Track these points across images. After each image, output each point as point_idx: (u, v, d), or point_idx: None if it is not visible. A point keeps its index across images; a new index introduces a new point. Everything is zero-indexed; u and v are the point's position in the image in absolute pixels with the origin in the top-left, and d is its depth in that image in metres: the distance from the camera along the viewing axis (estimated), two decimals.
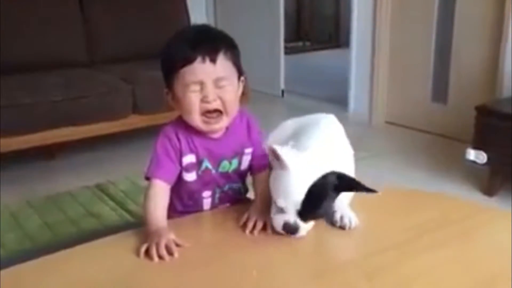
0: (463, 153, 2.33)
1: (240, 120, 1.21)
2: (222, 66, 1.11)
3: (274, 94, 4.21)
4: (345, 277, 0.96)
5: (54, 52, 2.98)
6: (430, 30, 3.15)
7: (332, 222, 1.11)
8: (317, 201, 1.02)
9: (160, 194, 1.13)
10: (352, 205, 1.14)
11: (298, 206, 1.02)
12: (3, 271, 0.95)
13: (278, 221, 1.05)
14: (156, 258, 0.98)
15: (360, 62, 3.53)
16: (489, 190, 2.32)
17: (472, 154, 2.30)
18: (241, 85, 1.19)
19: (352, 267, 0.99)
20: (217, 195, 1.24)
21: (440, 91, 3.19)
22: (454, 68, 3.08)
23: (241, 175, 1.25)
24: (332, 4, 7.06)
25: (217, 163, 1.19)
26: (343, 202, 1.13)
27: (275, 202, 1.05)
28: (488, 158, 2.25)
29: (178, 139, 1.16)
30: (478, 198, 2.27)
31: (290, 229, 1.04)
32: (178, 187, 1.20)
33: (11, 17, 2.87)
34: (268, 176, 1.12)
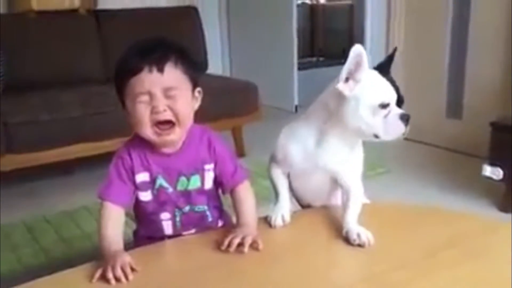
0: (479, 169, 2.31)
1: (200, 136, 1.17)
2: (171, 75, 1.07)
3: (287, 110, 4.22)
4: None
5: (72, 69, 3.04)
6: (444, 45, 3.14)
7: (348, 240, 1.10)
8: (397, 88, 1.18)
9: (112, 217, 1.10)
10: (366, 221, 1.14)
11: (395, 95, 1.15)
12: None
13: (393, 119, 1.12)
14: (113, 281, 0.95)
15: None
16: (505, 207, 2.29)
17: (488, 170, 2.27)
18: (198, 97, 1.15)
19: (365, 286, 0.99)
20: (177, 218, 1.18)
21: (454, 107, 3.18)
22: (468, 84, 3.06)
23: (207, 196, 1.19)
24: (345, 19, 7.09)
25: (174, 180, 1.14)
26: (355, 220, 1.13)
27: (380, 107, 1.11)
28: (504, 174, 2.22)
29: (131, 157, 1.12)
30: (494, 214, 2.24)
31: (408, 117, 1.14)
32: (137, 209, 1.18)
33: (30, 36, 2.94)
34: (247, 189, 1.17)
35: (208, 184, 1.17)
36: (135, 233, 1.27)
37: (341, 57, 6.03)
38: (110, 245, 1.05)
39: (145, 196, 1.15)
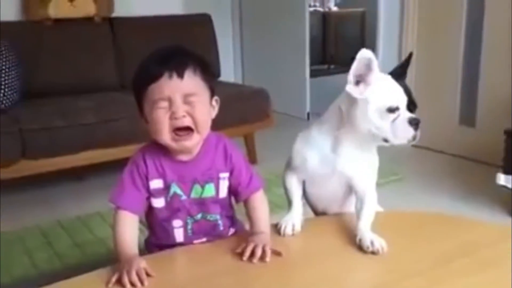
0: (492, 177, 2.29)
1: (216, 144, 1.17)
2: (190, 82, 1.07)
3: (299, 117, 4.23)
4: None
5: (86, 76, 3.08)
6: (457, 51, 3.13)
7: (361, 248, 1.10)
8: (409, 93, 1.17)
9: (126, 224, 1.10)
10: (381, 229, 1.14)
11: (406, 100, 1.14)
12: None
13: (402, 124, 1.12)
14: (128, 286, 0.96)
15: None
16: None
17: (502, 179, 2.25)
18: (215, 105, 1.15)
19: None
20: (189, 226, 1.18)
21: (468, 114, 3.16)
22: (482, 90, 3.04)
23: (220, 205, 1.19)
24: (357, 27, 7.10)
25: (188, 188, 1.14)
26: (368, 227, 1.13)
27: (387, 112, 1.11)
28: None
29: (145, 164, 1.12)
30: (507, 223, 2.21)
31: (417, 121, 1.14)
32: (149, 217, 1.18)
33: (46, 44, 2.98)
34: (261, 198, 1.17)
35: (223, 192, 1.17)
36: (146, 241, 1.27)
37: (353, 64, 5.91)
38: (126, 251, 1.06)
39: (158, 202, 1.15)
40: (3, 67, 2.65)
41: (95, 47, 3.14)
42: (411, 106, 1.16)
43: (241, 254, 1.06)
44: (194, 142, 1.10)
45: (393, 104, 1.12)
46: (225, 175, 1.16)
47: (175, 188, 1.13)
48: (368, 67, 1.14)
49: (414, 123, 1.13)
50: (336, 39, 7.25)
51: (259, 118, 3.12)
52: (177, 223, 1.17)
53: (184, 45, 1.16)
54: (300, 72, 4.27)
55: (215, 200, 1.17)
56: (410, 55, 1.29)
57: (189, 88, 1.07)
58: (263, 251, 1.05)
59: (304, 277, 1.03)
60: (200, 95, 1.09)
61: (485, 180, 2.54)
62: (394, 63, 3.73)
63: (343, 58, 7.14)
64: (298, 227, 1.19)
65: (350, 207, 1.28)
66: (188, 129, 1.07)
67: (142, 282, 0.97)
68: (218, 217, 1.19)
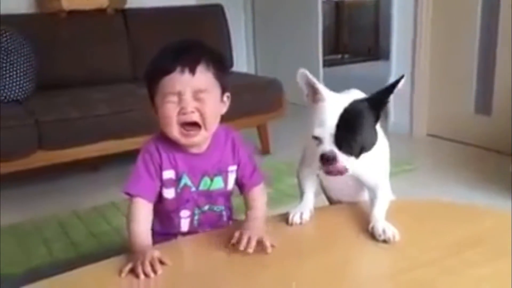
0: (507, 166, 2.27)
1: (225, 137, 1.19)
2: (202, 78, 1.08)
3: None
4: None
5: (100, 68, 3.10)
6: (473, 40, 3.09)
7: (374, 236, 1.10)
8: (351, 125, 1.05)
9: (142, 212, 1.11)
10: (394, 217, 1.14)
11: (333, 131, 1.04)
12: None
13: (316, 156, 1.06)
14: (142, 276, 0.96)
15: (400, 74, 3.48)
16: None
17: None
18: (226, 101, 1.17)
19: (391, 282, 0.99)
20: (196, 217, 1.20)
21: (483, 103, 3.12)
22: (498, 79, 3.00)
23: (226, 196, 1.21)
24: (371, 16, 7.03)
25: (198, 179, 1.16)
26: (381, 215, 1.13)
27: (313, 139, 1.07)
28: None
29: (159, 154, 1.13)
30: None
31: (328, 159, 1.05)
32: (157, 204, 1.17)
33: (60, 36, 3.01)
34: (261, 190, 1.17)
35: (231, 185, 1.20)
36: (152, 229, 1.26)
37: (366, 54, 6.00)
38: (140, 241, 1.07)
39: (169, 193, 1.16)
40: (19, 60, 2.68)
41: (108, 39, 3.16)
42: (343, 140, 1.06)
43: (236, 245, 1.04)
44: (201, 138, 1.11)
45: (315, 133, 1.08)
46: (234, 168, 1.19)
47: (185, 180, 1.15)
48: (310, 86, 1.12)
49: (323, 159, 1.06)
50: (349, 28, 7.19)
51: (272, 108, 3.11)
52: (184, 213, 1.19)
53: (200, 39, 1.17)
54: (313, 62, 4.24)
55: (223, 192, 1.19)
56: (400, 78, 1.15)
57: (200, 84, 1.07)
58: (261, 242, 1.03)
59: (315, 265, 1.03)
60: (211, 91, 1.09)
61: (499, 169, 2.52)
62: (408, 53, 3.70)
63: (356, 48, 7.10)
64: (306, 217, 1.19)
65: (364, 195, 1.27)
66: (195, 125, 1.08)
67: (155, 272, 0.97)
68: (223, 208, 1.22)
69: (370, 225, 1.12)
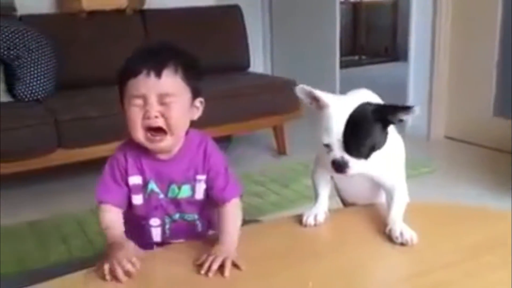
0: None
1: (198, 145, 1.14)
2: (169, 82, 1.04)
3: None
4: None
5: (118, 67, 3.13)
6: (493, 41, 3.05)
7: (391, 238, 1.10)
8: (359, 130, 1.05)
9: (111, 217, 1.10)
10: (411, 220, 1.13)
11: (341, 138, 1.04)
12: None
13: (327, 163, 1.06)
14: (121, 277, 0.94)
15: (418, 75, 3.47)
16: None
17: None
18: (200, 107, 1.13)
19: (407, 285, 0.98)
20: (167, 226, 1.16)
21: (503, 105, 3.07)
22: None
23: (199, 206, 1.16)
24: (389, 17, 6.97)
25: (165, 187, 1.12)
26: (399, 218, 1.13)
27: (321, 145, 1.07)
28: None
29: (125, 159, 1.11)
30: None
31: (339, 165, 1.05)
32: (127, 214, 1.15)
33: (80, 36, 3.05)
34: (235, 206, 1.11)
35: (199, 194, 1.14)
36: None
37: (384, 55, 5.96)
38: (115, 239, 1.05)
39: (137, 199, 1.13)
40: (40, 59, 2.73)
41: (127, 39, 3.18)
42: (352, 145, 1.06)
43: (200, 266, 1.00)
44: (167, 143, 1.08)
45: (324, 140, 1.08)
46: (202, 177, 1.13)
47: (152, 186, 1.12)
48: (310, 96, 1.12)
49: (335, 165, 1.08)
50: (367, 29, 7.15)
51: (289, 109, 3.11)
52: (154, 221, 1.16)
53: (173, 43, 1.13)
54: (330, 63, 4.23)
55: (192, 201, 1.15)
56: (410, 107, 1.10)
57: (166, 88, 1.04)
58: (222, 265, 0.99)
59: (331, 267, 1.03)
60: (178, 96, 1.06)
61: None
62: (427, 54, 3.67)
63: (374, 49, 7.05)
64: (320, 218, 1.19)
65: (380, 197, 1.27)
66: (161, 130, 1.05)
67: (134, 265, 0.96)
68: (196, 217, 1.17)
69: (388, 228, 1.11)
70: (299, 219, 1.20)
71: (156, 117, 1.04)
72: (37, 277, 1.01)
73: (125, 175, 1.11)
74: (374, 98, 1.18)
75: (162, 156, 1.11)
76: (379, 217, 1.20)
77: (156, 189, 1.13)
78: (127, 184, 1.12)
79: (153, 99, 1.03)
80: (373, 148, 1.09)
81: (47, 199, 2.47)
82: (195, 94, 1.11)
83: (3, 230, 2.14)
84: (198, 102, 1.13)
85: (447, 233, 1.16)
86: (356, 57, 6.96)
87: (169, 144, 1.08)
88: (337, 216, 1.25)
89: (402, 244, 1.08)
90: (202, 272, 0.98)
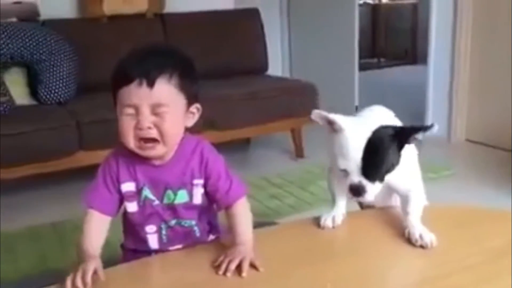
0: None
1: (193, 149, 1.09)
2: (162, 91, 0.99)
3: (348, 111, 4.16)
4: None
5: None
6: None
7: (410, 241, 1.09)
8: (377, 155, 1.03)
9: (93, 224, 1.06)
10: (431, 223, 1.12)
11: (359, 163, 1.02)
12: None
13: (344, 187, 1.05)
14: None
15: (438, 78, 3.44)
16: None
17: None
18: (196, 113, 1.08)
19: (431, 286, 0.98)
20: (163, 232, 1.13)
21: None
22: None
23: (197, 211, 1.13)
24: (408, 19, 6.92)
25: (160, 193, 1.09)
26: (417, 220, 1.12)
27: (337, 168, 1.05)
28: None
29: (117, 165, 1.07)
30: None
31: (357, 190, 1.04)
32: (124, 221, 1.14)
33: (101, 40, 3.09)
34: (243, 206, 1.10)
35: (197, 199, 1.11)
36: (123, 246, 1.22)
37: (403, 58, 5.90)
38: (86, 251, 1.03)
39: (131, 207, 1.10)
40: (62, 63, 2.78)
41: (147, 43, 3.23)
42: (370, 170, 1.04)
43: (218, 268, 0.99)
44: (159, 153, 1.04)
45: (341, 166, 1.05)
46: (199, 181, 1.10)
47: (146, 193, 1.09)
48: (325, 120, 1.09)
49: (352, 190, 1.06)
50: (386, 32, 7.10)
51: (306, 112, 3.08)
52: (150, 228, 1.12)
53: (169, 45, 1.09)
54: (348, 66, 4.21)
55: (189, 206, 1.11)
56: (428, 127, 1.08)
57: (159, 98, 0.99)
58: (240, 265, 0.99)
59: (347, 268, 1.03)
60: (172, 105, 1.01)
61: None
62: (447, 56, 3.63)
63: (393, 52, 7.00)
64: (338, 221, 1.19)
65: (396, 201, 1.26)
66: (154, 140, 1.01)
67: (85, 285, 0.92)
68: (193, 223, 1.14)
69: (406, 230, 1.11)
70: (317, 221, 1.20)
71: (149, 127, 1.00)
72: (59, 276, 1.02)
73: (117, 182, 1.08)
74: (389, 116, 1.18)
75: (156, 162, 1.07)
76: (396, 220, 1.19)
77: (151, 196, 1.09)
78: (119, 191, 1.08)
79: (145, 110, 0.99)
80: (389, 170, 1.08)
81: (69, 200, 2.51)
82: (191, 101, 1.06)
83: (27, 231, 2.19)
84: (194, 108, 1.08)
85: (467, 236, 1.15)
86: (375, 60, 6.92)
87: (162, 152, 1.05)
88: (355, 218, 1.24)
89: (421, 246, 1.07)
90: (220, 273, 0.98)
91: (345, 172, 1.05)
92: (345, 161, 1.04)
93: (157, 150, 1.03)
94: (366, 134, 1.04)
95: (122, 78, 1.00)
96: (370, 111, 1.19)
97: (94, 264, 0.97)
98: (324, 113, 1.08)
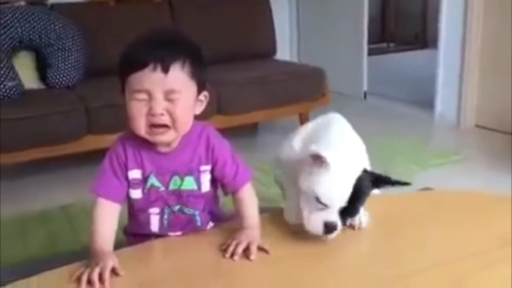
0: None
1: (199, 135, 1.09)
2: (176, 77, 0.98)
3: (356, 96, 4.16)
4: (432, 280, 0.95)
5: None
6: None
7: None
8: (359, 199, 1.03)
9: (105, 214, 1.05)
10: (438, 208, 1.12)
11: (343, 204, 1.01)
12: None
13: (317, 220, 1.02)
14: (83, 285, 0.91)
15: (448, 63, 3.40)
16: None
17: None
18: (204, 101, 1.08)
19: (438, 272, 0.98)
20: (165, 216, 1.12)
21: None
22: None
23: (202, 200, 1.13)
24: (418, 2, 6.82)
25: (166, 179, 1.08)
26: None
27: (315, 200, 1.01)
28: None
29: (125, 153, 1.06)
30: None
31: (331, 228, 1.02)
32: (129, 205, 1.13)
33: (109, 24, 3.09)
34: (249, 191, 1.11)
35: (205, 186, 1.11)
36: (125, 229, 1.21)
37: (413, 42, 5.82)
38: (99, 245, 1.02)
39: (135, 193, 1.10)
40: (70, 47, 2.78)
41: (154, 26, 3.22)
42: (348, 211, 1.03)
43: (225, 251, 1.01)
44: (169, 138, 1.04)
45: (323, 199, 1.01)
46: (207, 167, 1.10)
47: (153, 180, 1.08)
48: (317, 160, 1.03)
49: (328, 228, 1.02)
50: (396, 16, 7.01)
51: (314, 97, 3.10)
52: (154, 210, 1.12)
53: (178, 30, 1.07)
54: (357, 50, 4.18)
55: (196, 195, 1.11)
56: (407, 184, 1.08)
57: (173, 84, 0.98)
58: (248, 249, 1.00)
59: (352, 258, 1.03)
60: (184, 92, 1.00)
61: None
62: (458, 41, 3.57)
63: (403, 36, 6.91)
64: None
65: None
66: (164, 126, 1.01)
67: (102, 282, 0.92)
68: (196, 212, 1.14)
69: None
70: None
71: (162, 114, 0.99)
72: (68, 259, 1.04)
73: (125, 169, 1.07)
74: (349, 128, 1.22)
75: (163, 149, 1.07)
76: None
77: (157, 183, 1.09)
78: (127, 178, 1.08)
79: (159, 95, 0.98)
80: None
81: (77, 184, 2.53)
82: (200, 88, 1.05)
83: (36, 214, 2.21)
84: (203, 96, 1.07)
85: (475, 222, 1.15)
86: (385, 45, 6.85)
87: (172, 138, 1.04)
88: None
89: (351, 226, 1.10)
90: (227, 256, 1.00)
91: (322, 206, 1.02)
92: (330, 197, 1.01)
93: (167, 135, 1.02)
94: (354, 176, 1.03)
95: (135, 63, 0.98)
96: (335, 128, 1.20)
97: (111, 261, 0.96)
98: (315, 149, 1.02)
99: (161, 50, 0.98)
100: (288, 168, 1.22)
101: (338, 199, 1.01)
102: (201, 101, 1.08)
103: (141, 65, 0.97)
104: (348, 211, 1.02)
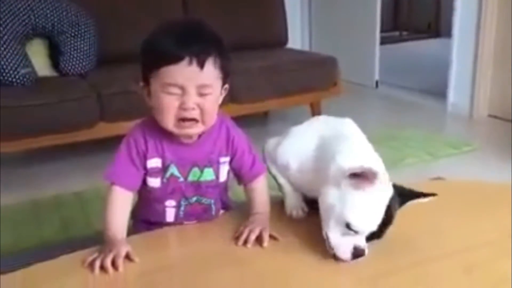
0: None
1: (219, 126, 1.09)
2: (209, 72, 0.98)
3: (368, 85, 4.14)
4: (443, 269, 0.96)
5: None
6: None
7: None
8: (389, 222, 0.96)
9: (119, 202, 1.04)
10: (449, 199, 1.12)
11: (374, 228, 0.94)
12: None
13: (346, 247, 0.94)
14: (97, 270, 0.92)
15: (462, 52, 3.36)
16: None
17: None
18: (224, 94, 1.07)
19: (449, 261, 0.98)
20: (182, 208, 1.12)
21: None
22: None
23: (219, 189, 1.14)
24: None
25: (186, 170, 1.08)
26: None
27: (345, 226, 0.94)
28: None
29: (145, 141, 1.05)
30: None
31: (360, 254, 0.95)
32: (140, 192, 1.12)
33: (120, 11, 3.09)
34: (263, 182, 1.11)
35: (223, 176, 1.12)
36: (133, 214, 1.16)
37: (426, 31, 5.77)
38: (113, 233, 1.02)
39: (154, 182, 1.08)
40: (82, 34, 2.79)
41: (165, 13, 3.21)
42: (375, 235, 0.96)
43: (237, 239, 1.02)
44: (197, 131, 1.04)
45: (355, 228, 0.94)
46: (226, 159, 1.11)
47: (173, 170, 1.08)
48: (366, 176, 0.93)
49: (355, 254, 0.94)
50: (409, 4, 6.94)
51: (326, 86, 3.09)
52: (170, 203, 1.12)
53: (203, 21, 1.04)
54: (370, 39, 4.15)
55: (214, 184, 1.12)
56: (431, 195, 1.01)
57: (206, 79, 0.98)
58: (260, 235, 1.01)
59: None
60: (214, 86, 1.01)
61: None
62: (472, 29, 3.53)
63: (416, 25, 6.84)
64: (305, 207, 1.18)
65: None
66: (194, 120, 1.01)
67: (116, 268, 0.93)
68: (212, 201, 1.15)
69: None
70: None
71: (193, 109, 0.99)
72: (82, 244, 1.05)
73: (144, 157, 1.06)
74: (362, 135, 1.10)
75: (185, 140, 1.07)
76: None
77: (176, 173, 1.08)
78: (144, 167, 1.07)
79: (192, 90, 0.97)
80: None
81: (91, 171, 2.56)
82: (224, 81, 1.05)
83: (50, 200, 2.25)
84: (224, 89, 1.07)
85: (487, 211, 1.15)
86: (397, 33, 6.79)
87: (199, 131, 1.04)
88: None
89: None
90: (240, 243, 1.01)
91: (351, 231, 0.94)
92: (362, 226, 0.93)
93: (196, 129, 1.02)
94: (387, 197, 0.95)
95: (168, 56, 0.96)
96: (343, 124, 1.11)
97: (125, 247, 0.97)
98: (366, 166, 0.93)
99: (195, 44, 0.97)
100: (288, 169, 1.16)
101: (370, 226, 0.94)
102: (221, 94, 1.07)
103: (176, 59, 0.96)
104: (376, 235, 0.95)
